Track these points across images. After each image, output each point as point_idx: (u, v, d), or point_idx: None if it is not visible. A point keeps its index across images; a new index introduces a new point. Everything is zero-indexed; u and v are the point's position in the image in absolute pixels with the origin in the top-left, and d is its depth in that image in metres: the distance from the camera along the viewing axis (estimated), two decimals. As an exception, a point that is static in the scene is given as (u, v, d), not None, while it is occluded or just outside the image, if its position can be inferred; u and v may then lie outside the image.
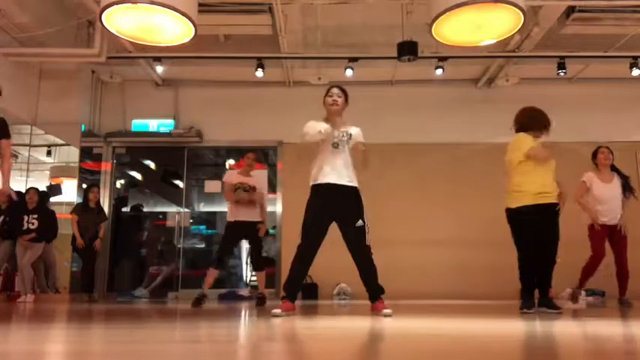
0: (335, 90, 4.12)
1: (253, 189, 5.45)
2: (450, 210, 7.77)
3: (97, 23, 5.70)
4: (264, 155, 8.60)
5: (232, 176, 5.57)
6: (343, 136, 4.03)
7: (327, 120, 4.07)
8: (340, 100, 4.08)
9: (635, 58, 7.14)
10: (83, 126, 7.80)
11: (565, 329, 2.87)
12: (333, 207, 3.91)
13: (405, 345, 2.11)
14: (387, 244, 7.16)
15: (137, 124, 8.25)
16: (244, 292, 7.84)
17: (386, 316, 3.63)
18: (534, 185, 4.08)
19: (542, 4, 6.12)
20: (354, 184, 3.96)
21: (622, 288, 5.31)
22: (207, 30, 6.37)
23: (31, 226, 6.44)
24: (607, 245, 5.32)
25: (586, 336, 2.53)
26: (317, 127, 3.98)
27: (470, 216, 7.59)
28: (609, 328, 2.92)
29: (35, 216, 6.50)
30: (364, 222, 3.88)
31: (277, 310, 3.68)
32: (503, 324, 3.17)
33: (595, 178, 5.42)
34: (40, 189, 6.97)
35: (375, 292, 3.93)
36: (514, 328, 2.95)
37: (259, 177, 5.58)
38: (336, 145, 4.01)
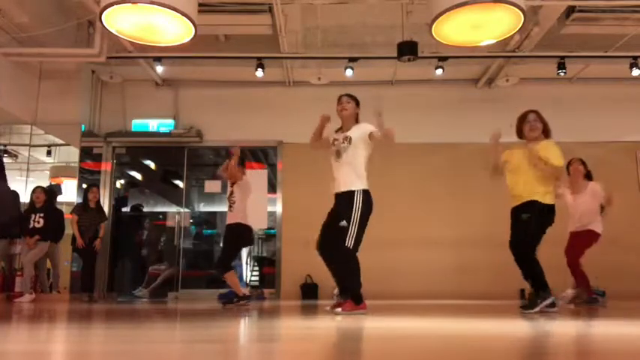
0: (344, 97, 4.29)
1: (230, 193, 5.48)
2: (450, 210, 7.77)
3: (97, 23, 5.70)
4: (264, 155, 8.61)
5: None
6: (343, 142, 4.14)
7: (341, 127, 4.28)
8: (349, 106, 4.23)
9: (635, 58, 7.13)
10: (83, 126, 7.79)
11: (565, 329, 2.87)
12: (334, 210, 4.15)
13: (401, 345, 2.11)
14: (387, 244, 7.19)
15: (137, 124, 8.25)
16: (245, 291, 7.83)
17: (335, 314, 3.85)
18: None
19: (542, 4, 6.12)
20: (350, 188, 4.03)
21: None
22: (207, 30, 6.37)
23: (37, 225, 6.46)
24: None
25: (586, 336, 2.54)
26: (330, 134, 4.29)
27: (470, 216, 7.59)
28: (607, 329, 2.92)
29: (42, 215, 6.52)
30: (348, 224, 3.93)
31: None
32: (503, 324, 3.17)
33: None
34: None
35: (343, 290, 4.19)
36: (514, 327, 2.95)
37: (243, 182, 5.54)
38: (337, 155, 4.17)
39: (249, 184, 5.47)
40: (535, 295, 4.08)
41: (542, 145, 4.16)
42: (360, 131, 4.13)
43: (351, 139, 4.11)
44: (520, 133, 4.33)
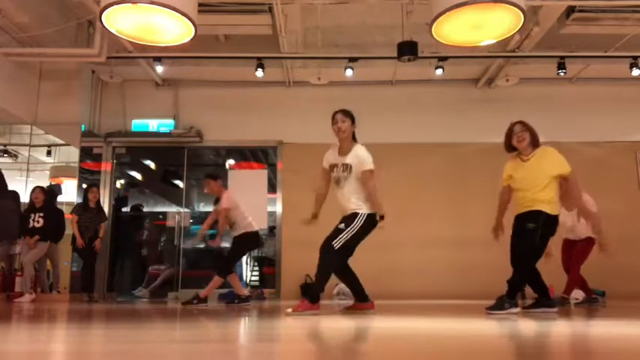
0: (338, 116, 4.20)
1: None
2: (450, 210, 7.77)
3: (97, 23, 5.70)
4: (264, 155, 8.61)
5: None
6: (343, 171, 4.12)
7: (340, 146, 4.24)
8: (345, 126, 4.16)
9: (635, 58, 7.14)
10: (83, 126, 7.80)
11: (565, 330, 2.87)
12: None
13: (401, 345, 2.11)
14: (387, 245, 7.18)
15: (137, 124, 8.26)
16: (245, 292, 7.83)
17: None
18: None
19: (542, 4, 6.13)
20: (354, 210, 4.05)
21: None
22: (207, 30, 6.37)
23: (37, 225, 6.47)
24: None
25: (585, 337, 2.54)
26: (326, 158, 4.29)
27: (469, 216, 7.59)
28: (607, 329, 2.92)
29: (41, 214, 6.53)
30: (345, 228, 3.96)
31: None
32: (504, 324, 3.17)
33: None
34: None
35: (356, 294, 4.27)
36: (514, 328, 2.95)
37: (222, 200, 5.51)
38: (337, 182, 4.17)
39: (230, 197, 5.49)
40: (507, 297, 4.04)
41: (550, 159, 4.11)
42: (358, 160, 4.08)
43: (351, 168, 4.08)
44: (509, 146, 4.30)
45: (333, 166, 4.21)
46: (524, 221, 4.06)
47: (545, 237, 4.07)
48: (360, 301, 4.27)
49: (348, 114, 4.20)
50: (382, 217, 4.05)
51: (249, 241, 5.55)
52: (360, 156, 4.08)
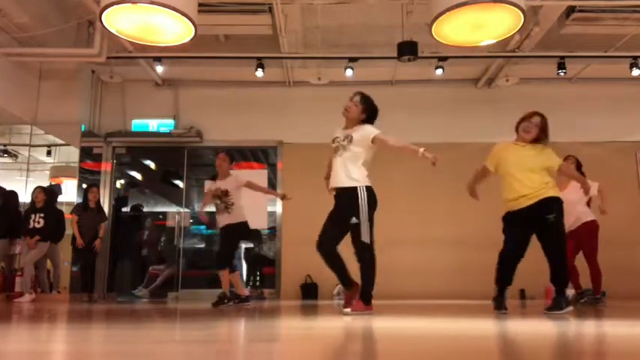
0: (355, 97, 4.10)
1: (225, 193, 5.28)
2: (450, 210, 7.76)
3: (97, 23, 5.70)
4: (264, 155, 8.61)
5: (208, 185, 5.51)
6: (344, 140, 4.02)
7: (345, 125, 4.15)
8: (354, 110, 4.05)
9: (635, 58, 7.14)
10: (83, 126, 7.80)
11: (565, 329, 2.87)
12: (336, 208, 4.00)
13: (401, 345, 2.11)
14: (387, 244, 7.15)
15: (137, 124, 8.25)
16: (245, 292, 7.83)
17: (344, 314, 3.78)
18: None
19: (542, 4, 6.13)
20: (350, 184, 3.91)
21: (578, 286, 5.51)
22: (207, 30, 6.38)
23: (37, 225, 6.47)
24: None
25: (586, 336, 2.54)
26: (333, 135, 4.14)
27: (470, 216, 7.58)
28: (608, 329, 2.92)
29: (42, 215, 6.53)
30: (359, 219, 3.82)
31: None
32: (504, 324, 3.17)
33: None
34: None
35: (361, 287, 3.96)
36: (514, 328, 2.95)
37: (233, 177, 5.37)
38: (336, 150, 4.07)
39: (239, 177, 5.42)
40: (560, 295, 3.88)
41: (544, 155, 4.03)
42: (363, 133, 3.97)
43: (352, 138, 3.97)
44: (518, 128, 4.15)
45: (335, 139, 4.09)
46: (542, 213, 3.82)
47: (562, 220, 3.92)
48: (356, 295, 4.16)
49: (365, 101, 4.06)
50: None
51: (240, 231, 5.38)
52: (365, 129, 3.97)
